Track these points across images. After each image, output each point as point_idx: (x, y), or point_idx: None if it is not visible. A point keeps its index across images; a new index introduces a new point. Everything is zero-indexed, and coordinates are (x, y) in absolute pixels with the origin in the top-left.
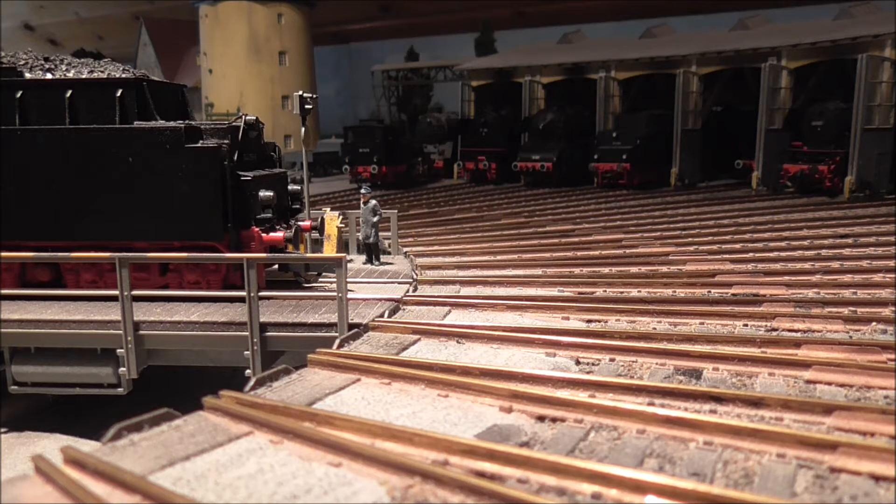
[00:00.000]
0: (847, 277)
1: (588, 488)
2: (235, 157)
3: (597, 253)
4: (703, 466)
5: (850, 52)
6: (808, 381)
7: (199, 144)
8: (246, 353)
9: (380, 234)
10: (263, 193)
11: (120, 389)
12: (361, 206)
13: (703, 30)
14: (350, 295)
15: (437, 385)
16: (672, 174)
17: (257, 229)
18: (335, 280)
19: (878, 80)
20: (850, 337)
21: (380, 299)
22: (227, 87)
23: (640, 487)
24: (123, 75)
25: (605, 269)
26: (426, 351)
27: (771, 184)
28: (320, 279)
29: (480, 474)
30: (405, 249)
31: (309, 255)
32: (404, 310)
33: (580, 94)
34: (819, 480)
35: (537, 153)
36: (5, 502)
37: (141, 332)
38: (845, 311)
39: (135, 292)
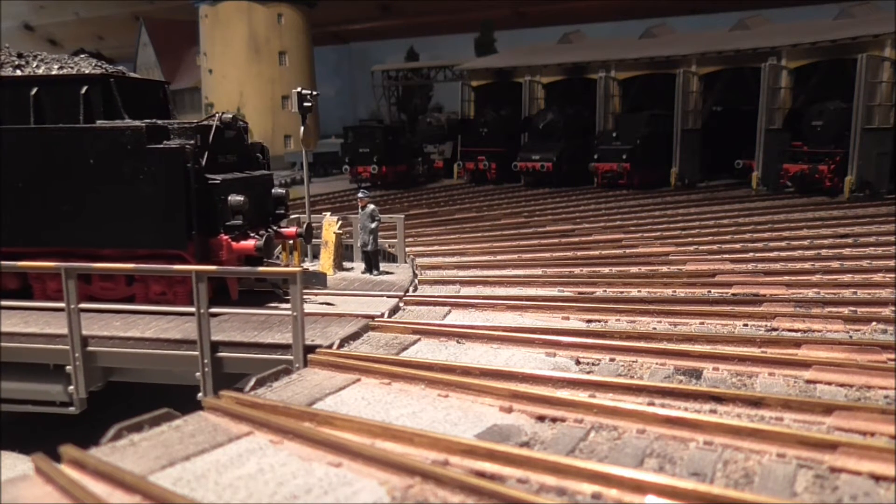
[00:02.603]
0: (847, 277)
1: (588, 488)
2: (205, 159)
3: (597, 253)
4: (703, 466)
5: (850, 52)
6: (808, 381)
7: (161, 145)
8: (198, 374)
9: (379, 240)
10: (233, 198)
11: (72, 409)
12: (359, 210)
13: (703, 30)
14: (328, 310)
15: (438, 385)
16: (672, 174)
17: (226, 237)
18: (322, 291)
19: (878, 80)
20: (850, 337)
21: (357, 315)
22: (227, 87)
23: (640, 487)
24: (94, 71)
25: (605, 269)
26: (426, 351)
27: (771, 184)
28: (305, 291)
29: (480, 474)
30: (413, 257)
31: (260, 269)
32: (404, 310)
33: (580, 94)
34: (819, 480)
35: (537, 153)
36: (5, 502)
37: (90, 348)
38: (845, 311)
39: (82, 305)
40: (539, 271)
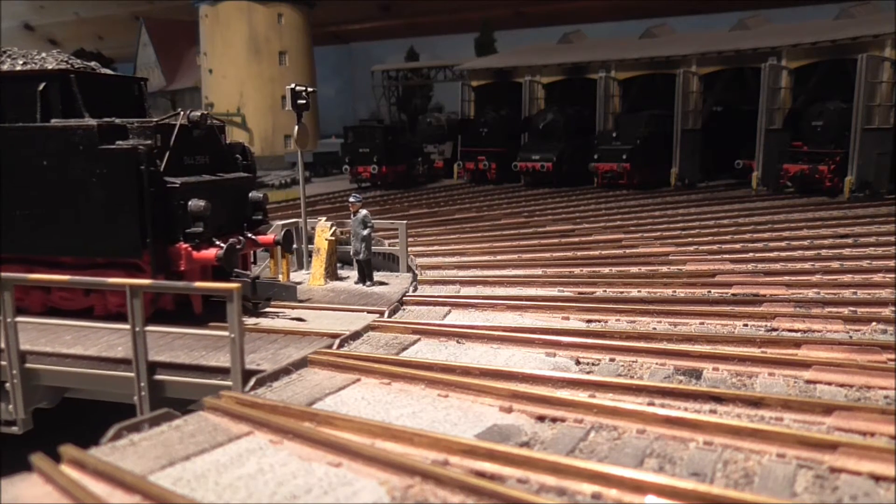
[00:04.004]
0: (847, 277)
1: (588, 488)
2: (165, 161)
3: (597, 253)
4: (703, 466)
5: (850, 52)
6: (808, 381)
7: (113, 146)
8: (136, 397)
9: (372, 249)
10: (194, 203)
11: (14, 428)
12: (351, 216)
13: (703, 30)
14: (297, 326)
15: (437, 385)
16: (672, 174)
17: (185, 245)
18: (299, 304)
19: (878, 80)
20: (850, 337)
21: (323, 334)
22: (227, 87)
23: (640, 487)
24: (58, 67)
25: (605, 269)
26: (426, 351)
27: (771, 184)
28: (280, 304)
29: (480, 474)
30: (417, 267)
31: (198, 284)
32: (404, 310)
33: (580, 94)
34: (819, 480)
35: (537, 153)
36: (5, 502)
37: (29, 364)
38: (845, 311)
39: (19, 319)
40: (539, 271)
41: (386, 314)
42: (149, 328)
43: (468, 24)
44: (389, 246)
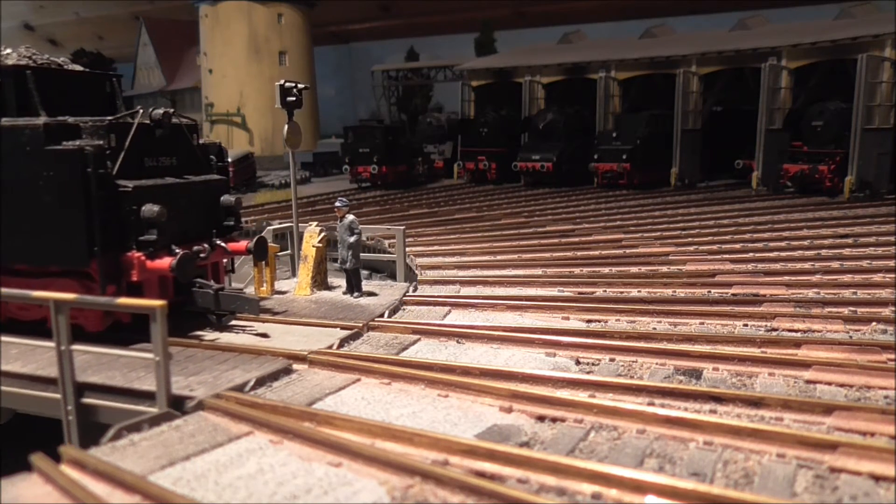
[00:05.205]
0: (847, 277)
1: (588, 488)
2: (119, 162)
3: (597, 253)
4: (703, 466)
5: (850, 52)
6: (808, 381)
7: (59, 146)
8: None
9: (361, 257)
10: (147, 208)
11: None
12: (338, 222)
13: (703, 30)
14: (258, 343)
15: (437, 385)
16: (672, 174)
17: (138, 254)
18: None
19: (878, 80)
20: (850, 337)
21: (281, 354)
22: (227, 87)
23: (640, 487)
24: (20, 62)
25: (605, 269)
26: (426, 351)
27: (771, 184)
28: (247, 318)
29: (480, 474)
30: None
31: (119, 300)
32: (404, 310)
33: (580, 94)
34: (819, 480)
35: (537, 153)
36: (5, 502)
37: None
38: (845, 311)
39: None
40: (539, 271)
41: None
42: (75, 347)
43: (468, 24)
44: (389, 247)
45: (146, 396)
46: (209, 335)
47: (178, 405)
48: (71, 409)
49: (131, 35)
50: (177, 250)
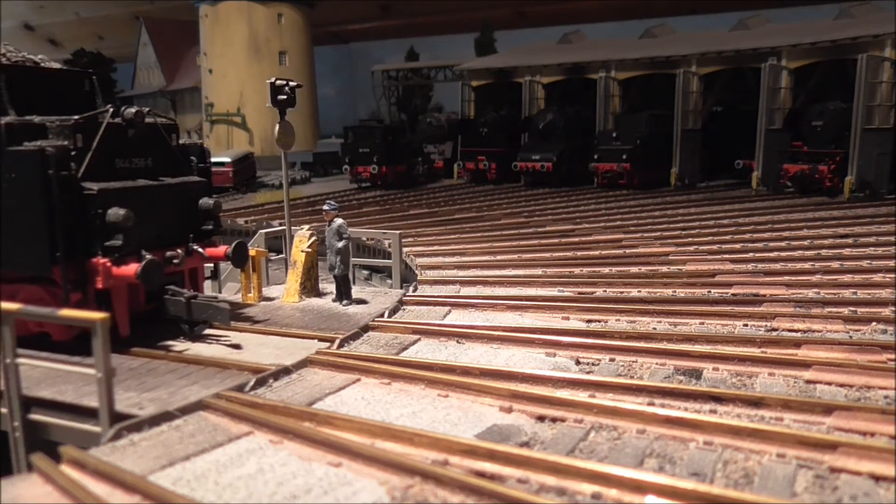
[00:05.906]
0: (847, 277)
1: (588, 488)
2: (85, 163)
3: (597, 253)
4: (703, 466)
5: (850, 52)
6: (808, 381)
7: (20, 147)
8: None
9: (350, 263)
10: (113, 212)
11: None
12: (326, 227)
13: (703, 30)
14: (228, 355)
15: (437, 385)
16: (672, 174)
17: (104, 260)
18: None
19: (878, 80)
20: (850, 337)
21: (246, 368)
22: (227, 87)
23: (640, 487)
24: None
25: (605, 269)
26: (426, 351)
27: (771, 184)
28: (221, 327)
29: (480, 474)
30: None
31: (62, 312)
32: (404, 310)
33: (580, 94)
34: (819, 480)
35: (537, 153)
36: (5, 502)
37: None
38: (845, 311)
39: None
40: (539, 271)
41: (386, 314)
42: (20, 360)
43: (468, 24)
44: (389, 247)
45: (93, 414)
46: (179, 346)
47: (119, 420)
48: (17, 425)
49: (131, 35)
50: (147, 256)
